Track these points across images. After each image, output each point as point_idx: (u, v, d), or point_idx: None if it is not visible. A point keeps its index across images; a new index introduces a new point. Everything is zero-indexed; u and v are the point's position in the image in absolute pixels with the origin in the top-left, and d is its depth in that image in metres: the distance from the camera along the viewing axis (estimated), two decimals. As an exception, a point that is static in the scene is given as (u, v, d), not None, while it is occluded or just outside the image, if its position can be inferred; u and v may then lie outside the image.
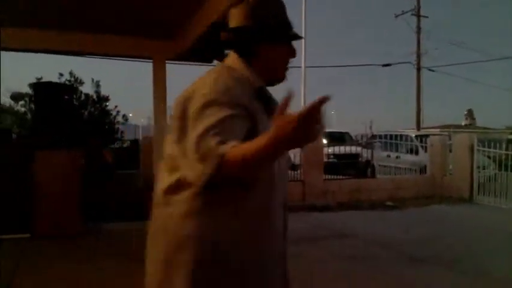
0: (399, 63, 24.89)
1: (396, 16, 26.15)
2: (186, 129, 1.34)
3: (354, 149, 13.72)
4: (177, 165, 1.39)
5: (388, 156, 14.01)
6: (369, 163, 11.76)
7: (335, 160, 13.32)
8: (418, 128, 23.55)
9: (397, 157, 13.95)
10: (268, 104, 1.48)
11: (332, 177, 10.30)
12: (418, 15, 25.33)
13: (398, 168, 12.32)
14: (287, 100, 1.09)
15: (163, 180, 1.44)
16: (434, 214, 8.55)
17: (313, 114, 1.05)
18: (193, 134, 1.29)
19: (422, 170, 11.75)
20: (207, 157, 1.22)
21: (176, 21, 6.49)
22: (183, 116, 1.37)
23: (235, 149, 1.19)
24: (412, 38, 25.39)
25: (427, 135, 13.20)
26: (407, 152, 14.01)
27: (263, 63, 1.50)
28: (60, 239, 5.66)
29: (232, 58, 1.52)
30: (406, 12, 25.54)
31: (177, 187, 1.39)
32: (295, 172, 10.77)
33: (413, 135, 14.84)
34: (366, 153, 12.57)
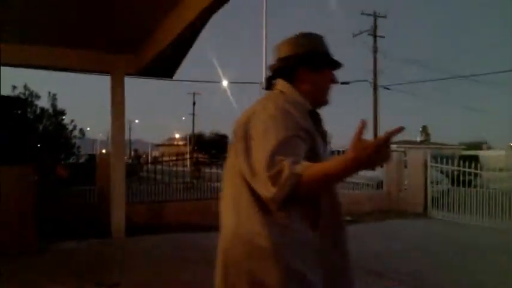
0: (357, 81, 25.60)
1: (354, 36, 26.97)
2: (251, 150, 1.47)
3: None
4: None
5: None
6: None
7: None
8: (376, 144, 24.14)
9: (355, 172, 14.24)
10: (319, 124, 1.65)
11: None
12: (375, 35, 26.22)
13: (356, 184, 12.55)
14: (362, 128, 1.24)
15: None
16: (391, 228, 8.75)
17: (387, 141, 1.21)
18: (262, 154, 1.40)
19: (379, 185, 12.04)
20: (282, 177, 1.32)
21: (136, 36, 6.43)
22: (245, 137, 1.51)
23: (309, 169, 1.31)
24: (370, 56, 26.22)
25: (383, 151, 13.52)
26: (365, 168, 14.30)
27: (308, 88, 1.66)
28: (16, 259, 5.44)
29: (281, 85, 1.68)
30: (364, 32, 26.40)
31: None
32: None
33: (371, 151, 15.19)
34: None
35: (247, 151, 1.47)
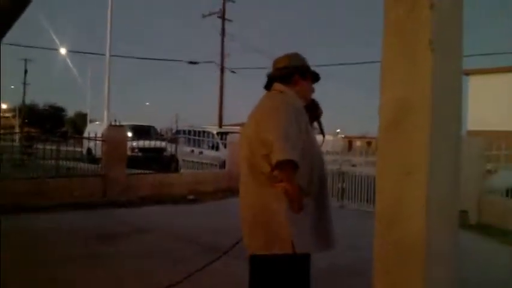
0: (205, 62, 25.92)
1: (204, 16, 27.10)
2: (262, 132, 2.22)
3: (158, 144, 13.77)
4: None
5: (192, 151, 14.47)
6: (173, 158, 11.96)
7: (139, 154, 13.17)
8: (220, 125, 24.87)
9: (200, 152, 14.52)
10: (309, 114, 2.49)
11: (136, 171, 10.15)
12: (223, 18, 26.72)
13: (201, 163, 12.85)
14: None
15: (265, 167, 2.24)
16: (231, 206, 9.17)
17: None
18: (277, 130, 2.13)
19: (222, 165, 12.47)
20: (284, 161, 2.07)
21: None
22: (260, 120, 2.27)
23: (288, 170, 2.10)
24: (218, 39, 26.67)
25: (227, 133, 14.08)
26: (210, 148, 14.72)
27: (299, 89, 2.48)
28: None
29: (279, 87, 2.46)
30: (214, 13, 26.69)
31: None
32: (96, 166, 10.30)
33: (215, 132, 15.64)
34: (170, 148, 12.75)
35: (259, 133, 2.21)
